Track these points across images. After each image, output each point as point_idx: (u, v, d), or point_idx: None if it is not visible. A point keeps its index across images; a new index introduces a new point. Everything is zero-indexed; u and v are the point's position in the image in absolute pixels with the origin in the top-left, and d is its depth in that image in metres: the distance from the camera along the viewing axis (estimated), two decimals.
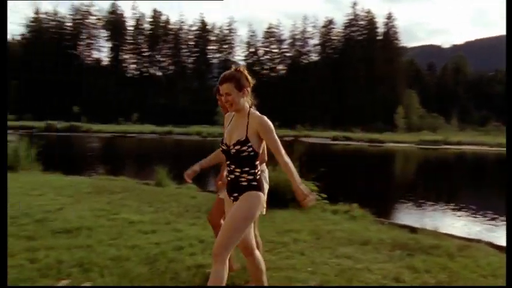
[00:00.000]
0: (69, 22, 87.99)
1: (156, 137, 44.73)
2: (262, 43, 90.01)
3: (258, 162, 2.72)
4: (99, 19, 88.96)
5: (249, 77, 2.75)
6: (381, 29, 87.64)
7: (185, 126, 52.39)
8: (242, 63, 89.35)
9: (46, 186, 8.12)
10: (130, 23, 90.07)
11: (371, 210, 6.85)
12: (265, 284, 2.97)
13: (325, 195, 6.91)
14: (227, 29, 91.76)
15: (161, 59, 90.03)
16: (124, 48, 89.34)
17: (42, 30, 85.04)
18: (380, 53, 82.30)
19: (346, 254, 4.37)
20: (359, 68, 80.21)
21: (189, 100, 78.09)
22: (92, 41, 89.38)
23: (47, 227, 5.05)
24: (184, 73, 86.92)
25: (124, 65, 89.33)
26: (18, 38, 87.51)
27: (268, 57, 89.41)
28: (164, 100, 76.00)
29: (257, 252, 2.85)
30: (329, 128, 56.94)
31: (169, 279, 3.50)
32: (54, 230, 4.90)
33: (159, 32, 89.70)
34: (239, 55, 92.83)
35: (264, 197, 2.76)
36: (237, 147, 2.63)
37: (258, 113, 2.72)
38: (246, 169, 2.66)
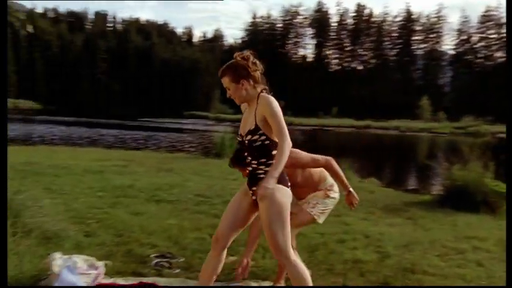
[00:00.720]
0: (279, 23, 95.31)
1: (353, 131, 44.77)
2: (477, 29, 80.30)
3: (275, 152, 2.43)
4: (305, 18, 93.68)
5: (250, 64, 2.49)
6: None
7: (385, 120, 50.83)
8: (451, 52, 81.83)
9: None
10: (334, 19, 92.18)
11: None
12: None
13: None
14: (435, 17, 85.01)
15: (363, 53, 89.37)
16: (327, 44, 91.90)
17: (258, 33, 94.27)
18: None
19: None
20: None
21: (390, 93, 75.50)
22: (299, 39, 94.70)
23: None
24: (386, 66, 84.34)
25: (327, 60, 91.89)
26: (239, 41, 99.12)
27: (483, 44, 79.39)
28: (365, 92, 75.31)
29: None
30: None
31: (323, 269, 3.54)
32: None
33: (362, 26, 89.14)
34: (448, 44, 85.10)
35: (289, 190, 2.44)
36: (249, 137, 2.46)
37: (268, 96, 2.48)
38: (263, 160, 2.44)
